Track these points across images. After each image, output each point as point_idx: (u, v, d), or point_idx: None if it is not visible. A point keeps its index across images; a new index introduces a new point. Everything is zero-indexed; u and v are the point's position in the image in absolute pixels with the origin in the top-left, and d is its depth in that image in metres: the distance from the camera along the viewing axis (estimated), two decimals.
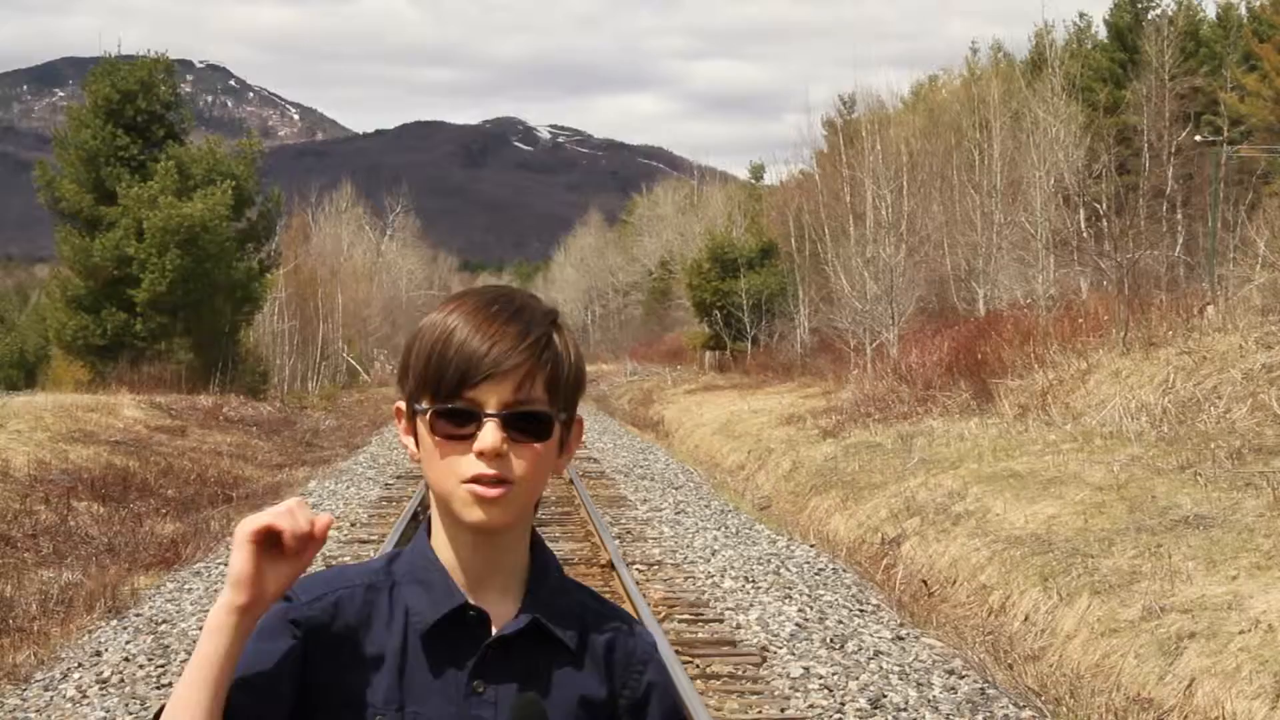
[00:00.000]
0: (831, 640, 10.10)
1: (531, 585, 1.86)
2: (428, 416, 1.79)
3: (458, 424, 1.77)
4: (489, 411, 1.76)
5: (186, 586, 12.34)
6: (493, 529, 1.79)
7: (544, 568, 1.89)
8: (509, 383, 1.76)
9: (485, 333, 1.77)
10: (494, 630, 1.82)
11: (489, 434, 1.75)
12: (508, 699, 1.80)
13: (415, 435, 1.82)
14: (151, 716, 1.86)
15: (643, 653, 1.92)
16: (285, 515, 1.68)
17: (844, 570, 13.31)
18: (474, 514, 1.77)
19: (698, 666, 9.22)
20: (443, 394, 1.77)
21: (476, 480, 1.76)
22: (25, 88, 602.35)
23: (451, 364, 1.77)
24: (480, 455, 1.75)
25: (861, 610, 11.33)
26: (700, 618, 10.90)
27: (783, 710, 8.36)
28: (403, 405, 1.84)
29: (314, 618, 1.79)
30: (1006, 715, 8.34)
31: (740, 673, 9.19)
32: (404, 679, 1.79)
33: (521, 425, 1.77)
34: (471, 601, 1.81)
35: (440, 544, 1.85)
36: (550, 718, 1.81)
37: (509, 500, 1.77)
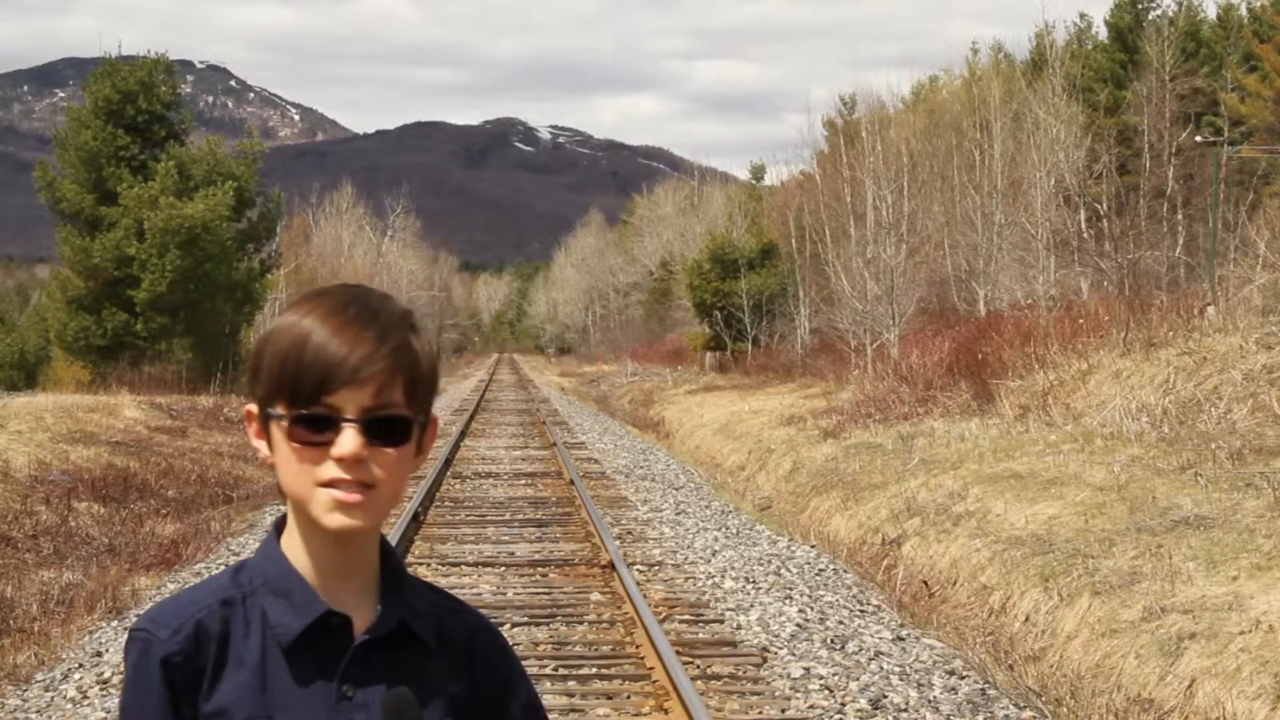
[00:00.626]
0: (832, 641, 10.10)
1: (387, 585, 1.85)
2: (284, 423, 1.76)
3: (315, 430, 1.74)
4: (348, 417, 1.73)
5: (187, 587, 12.34)
6: (351, 533, 1.77)
7: (396, 571, 1.87)
8: (369, 388, 1.73)
9: (342, 337, 1.74)
10: (356, 633, 1.80)
11: (348, 440, 1.73)
12: (376, 700, 1.78)
13: (268, 439, 1.80)
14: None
15: (497, 648, 1.92)
16: None
17: (844, 571, 13.31)
18: (335, 519, 1.75)
19: (698, 667, 9.22)
20: (300, 400, 1.74)
21: (334, 485, 1.74)
22: (26, 88, 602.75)
23: (309, 370, 1.73)
24: (340, 461, 1.73)
25: (862, 611, 11.33)
26: (701, 618, 10.90)
27: (783, 711, 8.35)
28: (254, 408, 1.81)
29: (179, 650, 1.77)
30: (1007, 716, 8.34)
31: (741, 673, 9.19)
32: (266, 692, 1.77)
33: (381, 430, 1.75)
34: (333, 608, 1.79)
35: (293, 549, 1.82)
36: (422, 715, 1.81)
37: (370, 504, 1.75)
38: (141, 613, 1.86)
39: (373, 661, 1.80)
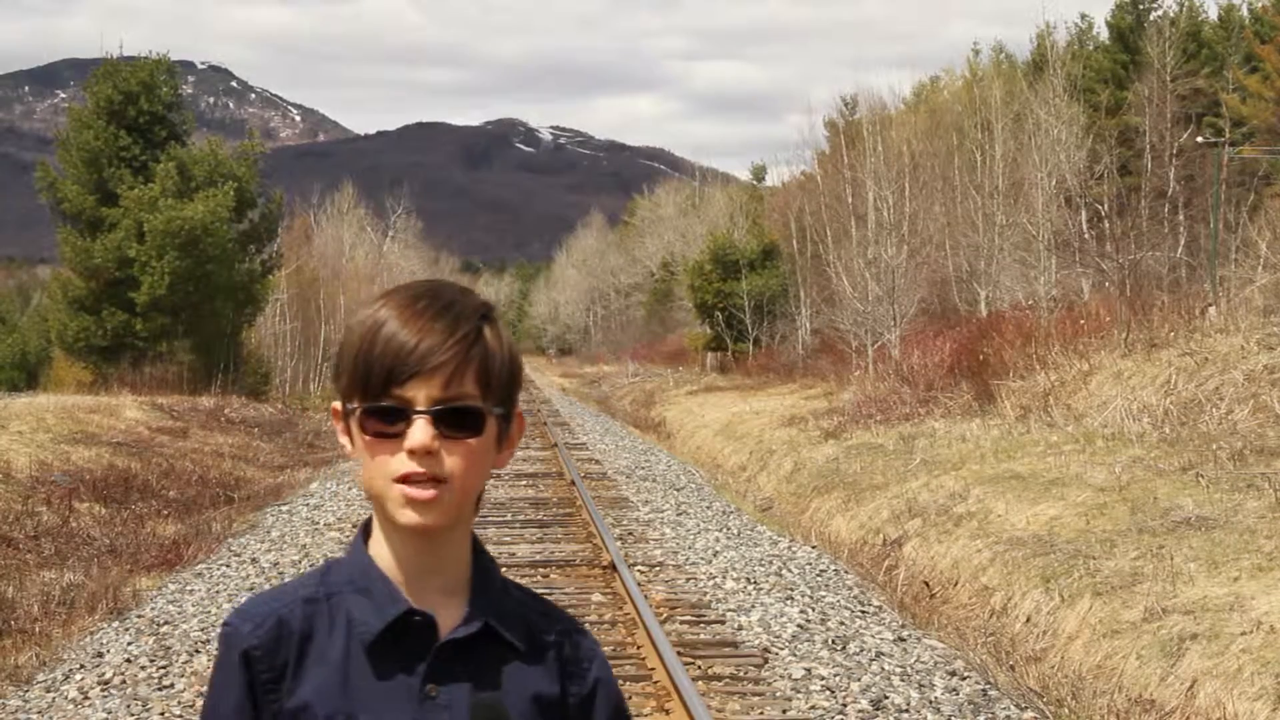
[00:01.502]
0: (833, 641, 10.10)
1: (477, 587, 1.85)
2: (358, 415, 1.77)
3: (387, 422, 1.74)
4: (418, 408, 1.73)
5: (188, 588, 12.34)
6: (427, 530, 1.77)
7: (486, 570, 1.87)
8: (438, 378, 1.74)
9: (413, 328, 1.74)
10: (442, 633, 1.80)
11: (418, 431, 1.73)
12: (462, 700, 1.78)
13: (351, 435, 1.80)
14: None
15: (588, 651, 1.92)
16: None
17: (846, 571, 13.31)
18: (407, 515, 1.75)
19: (700, 668, 9.22)
20: (372, 392, 1.75)
21: (407, 480, 1.74)
22: (27, 89, 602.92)
23: (378, 361, 1.74)
24: (410, 453, 1.73)
25: (863, 611, 11.33)
26: (702, 619, 10.90)
27: (784, 711, 8.35)
28: (339, 405, 1.82)
29: (259, 645, 1.78)
30: (1008, 716, 8.34)
31: (742, 674, 9.19)
32: (349, 689, 1.77)
33: (452, 421, 1.75)
34: (415, 606, 1.79)
35: (379, 548, 1.82)
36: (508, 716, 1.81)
37: (442, 501, 1.75)
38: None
39: (458, 661, 1.80)
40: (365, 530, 1.86)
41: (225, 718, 1.78)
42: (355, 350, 1.77)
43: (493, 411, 1.78)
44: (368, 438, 1.76)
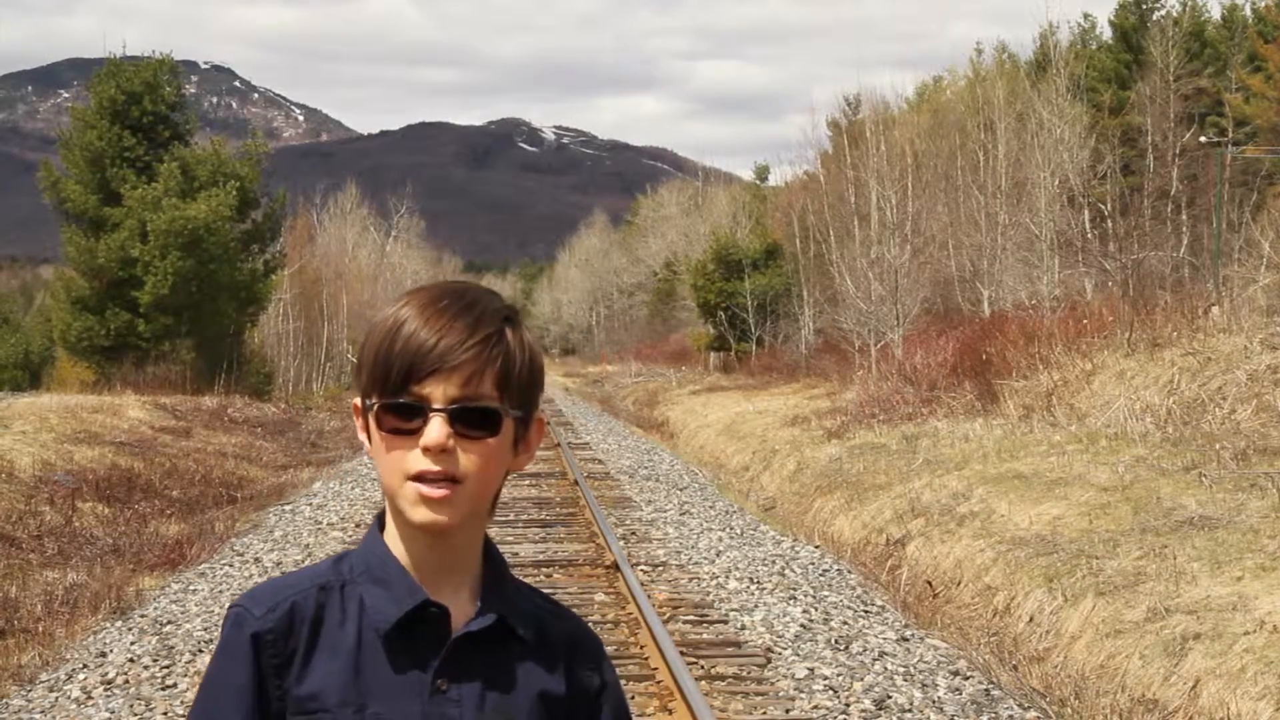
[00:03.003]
0: (836, 641, 10.10)
1: (488, 584, 1.85)
2: (375, 411, 1.78)
3: (404, 419, 1.75)
4: (435, 406, 1.74)
5: (191, 587, 12.35)
6: (440, 529, 1.77)
7: (499, 568, 1.88)
8: (456, 378, 1.74)
9: (433, 327, 1.75)
10: (454, 628, 1.81)
11: (434, 429, 1.73)
12: (472, 697, 1.79)
13: (369, 431, 1.81)
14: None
15: (596, 652, 1.93)
16: None
17: (849, 571, 13.31)
18: (420, 513, 1.76)
19: (703, 667, 9.22)
20: (390, 389, 1.76)
21: (421, 478, 1.74)
22: (30, 88, 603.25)
23: (398, 358, 1.75)
24: (426, 451, 1.74)
25: (866, 611, 11.33)
26: (705, 619, 10.90)
27: (787, 711, 8.36)
28: (359, 402, 1.83)
29: (272, 629, 1.78)
30: (1011, 716, 8.34)
31: (745, 674, 9.19)
32: (360, 679, 1.77)
33: (468, 420, 1.75)
34: (432, 598, 1.80)
35: (393, 541, 1.83)
36: (513, 714, 1.82)
37: (456, 500, 1.76)
38: (239, 595, 1.88)
39: (470, 657, 1.81)
40: (380, 522, 1.86)
41: (229, 697, 1.78)
42: (376, 347, 1.78)
43: (510, 413, 1.79)
44: (384, 434, 1.77)
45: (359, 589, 1.81)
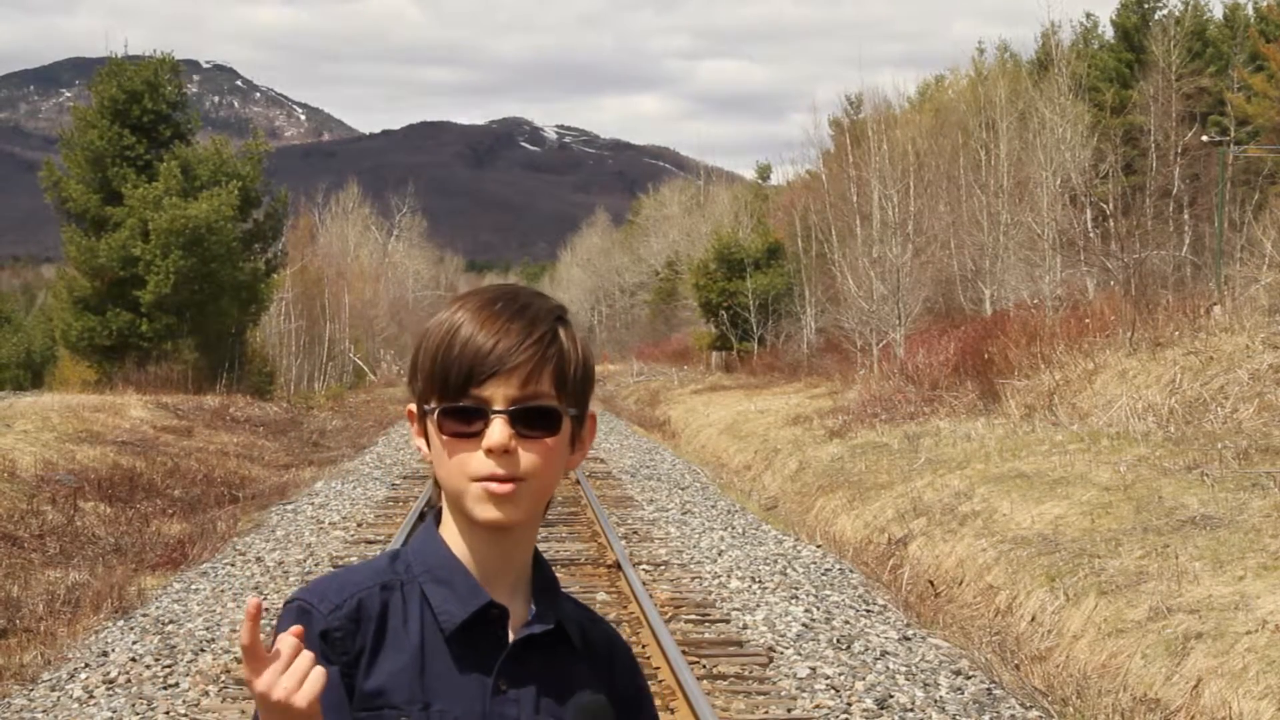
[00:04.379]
0: (838, 640, 10.10)
1: (539, 587, 1.88)
2: (436, 416, 1.79)
3: (466, 422, 1.77)
4: (496, 408, 1.76)
5: (193, 587, 12.35)
6: (506, 525, 1.80)
7: (547, 573, 1.91)
8: (515, 379, 1.76)
9: (490, 330, 1.77)
10: (510, 628, 1.83)
11: (497, 430, 1.75)
12: (529, 699, 1.81)
13: (426, 436, 1.83)
14: None
15: (630, 659, 1.96)
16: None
17: (850, 570, 13.31)
18: (487, 511, 1.78)
19: (704, 667, 9.22)
20: (450, 393, 1.78)
21: (486, 479, 1.76)
22: (32, 88, 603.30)
23: (457, 362, 1.77)
24: (489, 453, 1.76)
25: (868, 610, 11.33)
26: (707, 618, 10.91)
27: (789, 710, 8.36)
28: (414, 408, 1.85)
29: (340, 626, 1.79)
30: (1013, 715, 8.34)
31: (747, 673, 9.19)
32: (425, 677, 1.79)
33: (529, 420, 1.77)
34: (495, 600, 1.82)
35: (452, 541, 1.84)
36: (563, 716, 1.83)
37: (520, 496, 1.78)
38: (296, 589, 1.88)
39: (527, 658, 1.83)
40: (436, 521, 1.88)
41: (332, 682, 1.73)
42: (433, 353, 1.80)
43: (568, 412, 1.81)
44: (445, 438, 1.79)
45: (420, 588, 1.82)
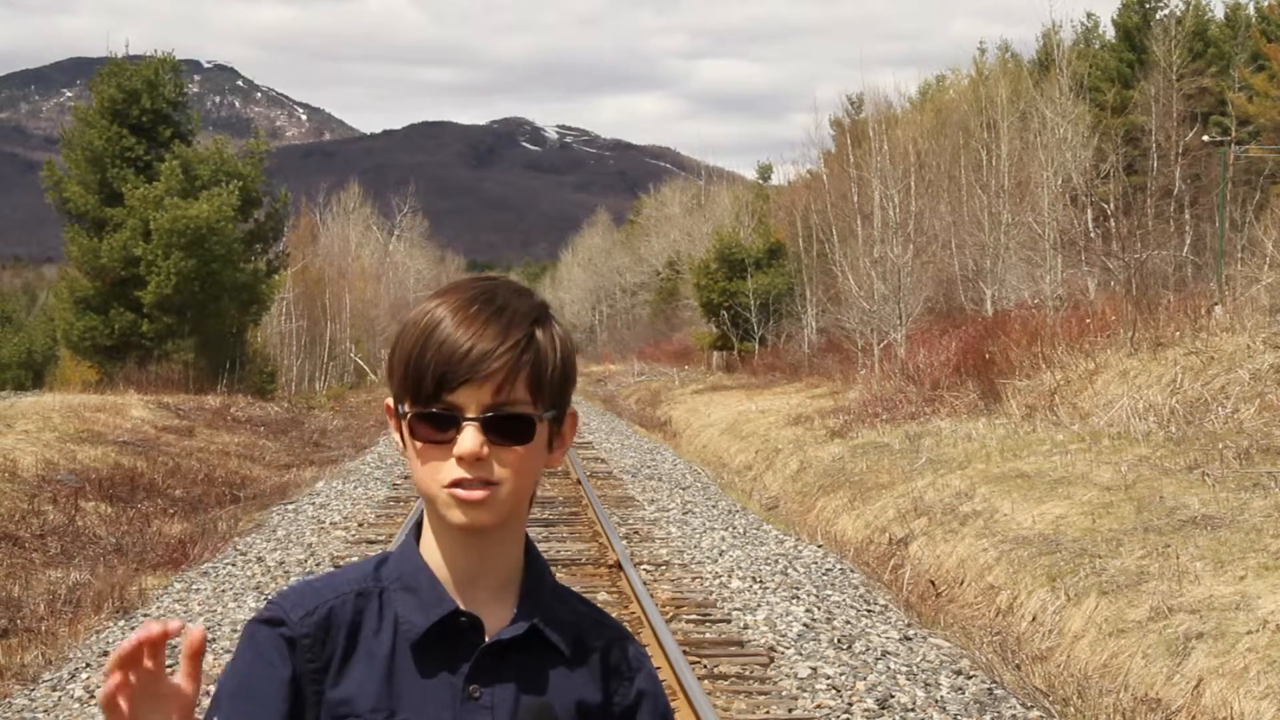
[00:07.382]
0: (839, 640, 10.10)
1: (527, 589, 1.85)
2: (408, 420, 1.77)
3: (437, 428, 1.74)
4: (468, 415, 1.73)
5: (194, 587, 12.35)
6: (477, 530, 1.77)
7: (538, 573, 1.87)
8: (489, 385, 1.73)
9: (465, 333, 1.74)
10: (489, 633, 1.80)
11: (468, 439, 1.72)
12: (505, 702, 1.78)
13: (402, 435, 1.81)
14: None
15: (635, 661, 1.91)
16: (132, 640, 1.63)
17: (851, 570, 13.31)
18: (457, 516, 1.75)
19: (705, 667, 9.22)
20: (422, 398, 1.75)
21: (457, 485, 1.74)
22: (33, 88, 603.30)
23: (430, 367, 1.74)
24: (460, 460, 1.73)
25: (869, 610, 11.33)
26: (708, 618, 10.91)
27: (790, 710, 8.36)
28: (391, 403, 1.82)
29: (308, 634, 1.77)
30: (1014, 715, 8.34)
31: (748, 673, 9.19)
32: (393, 685, 1.77)
33: (502, 428, 1.74)
34: (462, 606, 1.79)
35: (429, 546, 1.83)
36: None
37: (493, 502, 1.75)
38: (271, 596, 1.87)
39: (503, 663, 1.80)
40: (417, 529, 1.86)
41: (265, 695, 1.74)
42: (406, 355, 1.77)
43: (543, 417, 1.78)
44: (419, 444, 1.76)
45: (393, 596, 1.81)
